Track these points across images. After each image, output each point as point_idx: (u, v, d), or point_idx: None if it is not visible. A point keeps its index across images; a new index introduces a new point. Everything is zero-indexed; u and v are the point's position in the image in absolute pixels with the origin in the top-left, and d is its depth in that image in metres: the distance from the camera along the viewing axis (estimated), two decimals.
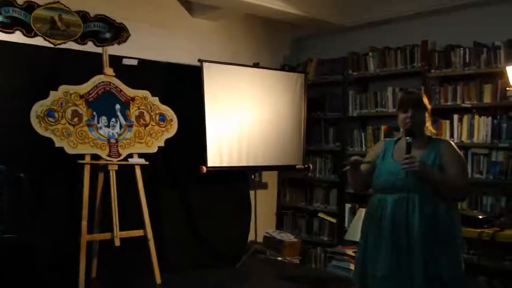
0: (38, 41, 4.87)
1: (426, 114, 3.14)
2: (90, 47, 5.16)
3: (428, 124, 3.17)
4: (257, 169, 5.97)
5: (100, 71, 4.71)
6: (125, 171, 4.70)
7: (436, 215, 2.97)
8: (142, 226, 4.65)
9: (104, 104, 4.68)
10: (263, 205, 6.19)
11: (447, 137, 4.95)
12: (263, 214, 6.07)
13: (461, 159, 3.10)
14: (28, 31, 4.82)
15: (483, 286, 4.60)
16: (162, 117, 5.00)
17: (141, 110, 4.89)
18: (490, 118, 4.77)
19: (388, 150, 3.22)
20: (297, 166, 6.03)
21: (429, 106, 3.17)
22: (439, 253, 2.95)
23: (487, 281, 4.61)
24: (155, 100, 5.00)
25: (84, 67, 4.79)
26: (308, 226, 6.37)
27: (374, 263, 3.08)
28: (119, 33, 5.37)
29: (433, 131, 3.28)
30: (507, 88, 4.63)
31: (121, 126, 4.74)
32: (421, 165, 2.93)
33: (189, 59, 5.54)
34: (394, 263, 3.00)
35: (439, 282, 2.94)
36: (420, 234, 2.94)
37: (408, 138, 3.04)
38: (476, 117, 4.85)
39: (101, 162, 4.59)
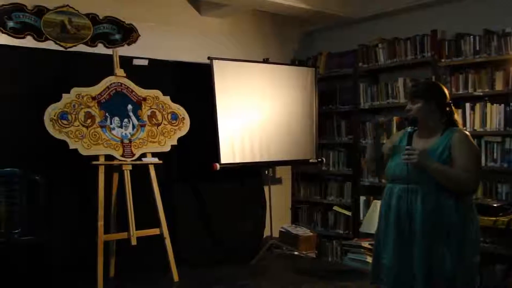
0: (49, 45, 4.93)
1: (433, 104, 3.03)
2: (100, 49, 5.21)
3: (437, 114, 3.04)
4: (270, 165, 5.97)
5: (111, 73, 4.76)
6: (139, 171, 4.74)
7: (439, 207, 2.91)
8: (158, 224, 4.70)
9: (116, 105, 4.73)
10: (278, 200, 6.21)
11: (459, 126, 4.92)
12: (278, 209, 6.09)
13: (471, 151, 2.98)
14: (39, 36, 4.87)
15: (500, 275, 4.58)
16: (174, 116, 5.04)
17: (153, 109, 4.93)
18: (502, 105, 4.72)
19: (404, 139, 3.12)
20: (310, 160, 6.03)
21: (438, 96, 3.06)
22: (442, 246, 2.89)
23: (504, 270, 4.58)
24: (167, 99, 5.03)
25: (95, 69, 4.85)
26: (323, 220, 6.37)
27: (383, 251, 3.10)
28: (129, 34, 5.41)
29: (457, 120, 3.14)
30: None
31: (133, 126, 4.78)
32: (420, 158, 2.87)
33: (198, 57, 5.54)
34: (398, 252, 3.00)
35: (440, 276, 2.88)
36: (421, 225, 2.91)
37: (408, 128, 3.01)
38: (489, 105, 4.81)
39: (115, 162, 4.63)
